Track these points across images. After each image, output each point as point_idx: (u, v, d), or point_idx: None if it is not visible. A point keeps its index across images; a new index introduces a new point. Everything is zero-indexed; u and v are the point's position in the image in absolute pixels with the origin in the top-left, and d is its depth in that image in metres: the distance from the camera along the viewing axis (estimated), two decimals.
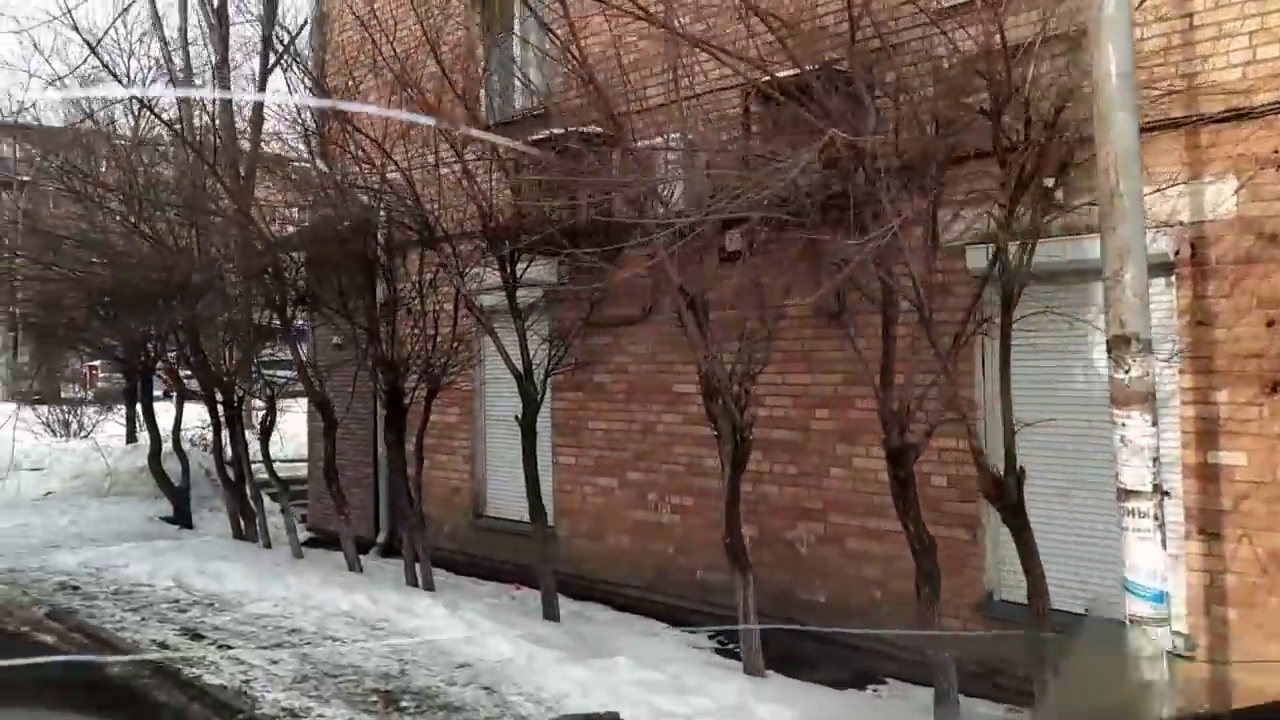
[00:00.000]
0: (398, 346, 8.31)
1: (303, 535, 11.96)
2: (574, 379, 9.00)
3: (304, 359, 9.10)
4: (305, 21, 21.57)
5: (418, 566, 8.37)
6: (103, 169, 11.83)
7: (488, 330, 7.46)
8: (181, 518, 12.19)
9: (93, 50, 15.13)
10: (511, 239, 7.26)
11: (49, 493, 12.80)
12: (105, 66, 15.13)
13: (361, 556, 10.14)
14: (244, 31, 27.56)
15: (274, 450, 14.01)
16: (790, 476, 7.48)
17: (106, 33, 22.11)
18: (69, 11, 23.04)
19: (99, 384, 24.58)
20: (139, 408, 15.73)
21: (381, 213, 8.25)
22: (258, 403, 12.52)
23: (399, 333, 8.48)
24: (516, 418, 7.46)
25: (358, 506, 11.80)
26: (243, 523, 10.93)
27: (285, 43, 23.68)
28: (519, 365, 7.42)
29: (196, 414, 13.01)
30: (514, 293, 7.47)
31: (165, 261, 10.25)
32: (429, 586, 8.17)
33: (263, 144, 12.85)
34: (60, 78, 18.65)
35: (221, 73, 22.81)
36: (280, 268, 8.89)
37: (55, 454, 16.06)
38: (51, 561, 8.86)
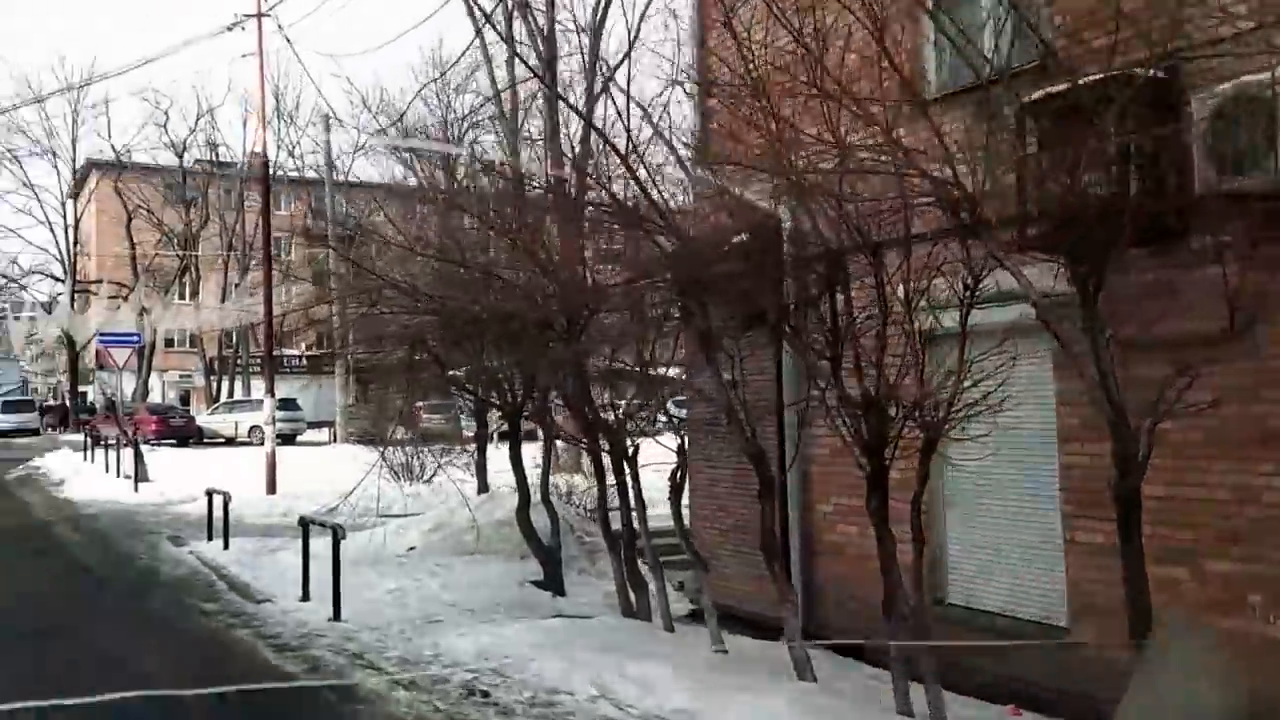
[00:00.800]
0: (882, 380, 6.09)
1: (683, 607, 10.12)
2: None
3: (735, 398, 7.10)
4: (631, 43, 20.34)
5: (915, 691, 6.06)
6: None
7: (1069, 353, 5.07)
8: (553, 583, 10.62)
9: (478, 33, 14.18)
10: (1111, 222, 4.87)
11: (411, 548, 11.68)
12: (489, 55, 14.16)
13: (768, 642, 8.16)
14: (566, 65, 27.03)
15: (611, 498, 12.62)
16: None
17: (490, 14, 21.88)
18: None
19: (422, 424, 24.39)
20: (485, 454, 14.77)
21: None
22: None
23: (861, 361, 6.27)
24: (1118, 492, 4.99)
25: (756, 576, 9.80)
26: (633, 595, 9.12)
27: (611, 69, 22.78)
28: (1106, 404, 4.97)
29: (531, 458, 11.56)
30: (1094, 298, 5.05)
31: (551, 288, 8.73)
32: None
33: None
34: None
35: (551, 104, 22.22)
36: (705, 282, 6.96)
37: (406, 501, 15.33)
38: (444, 648, 7.33)
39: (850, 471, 8.66)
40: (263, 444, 27.14)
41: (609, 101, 8.62)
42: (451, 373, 12.10)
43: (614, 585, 10.23)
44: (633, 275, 8.11)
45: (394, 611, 8.82)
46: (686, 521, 10.68)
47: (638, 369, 8.54)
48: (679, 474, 8.13)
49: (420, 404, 23.01)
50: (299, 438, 36.63)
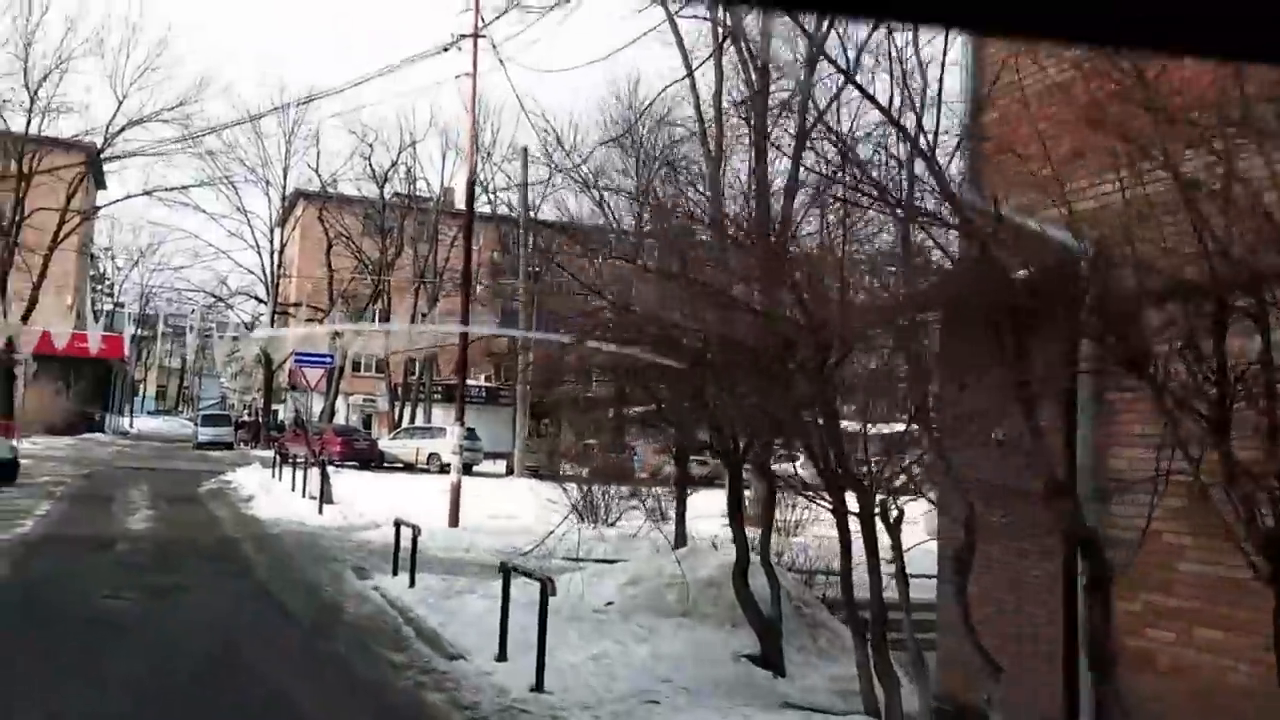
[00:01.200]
0: None
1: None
2: None
3: (1063, 463, 5.57)
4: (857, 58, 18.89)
5: None
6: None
7: None
8: (772, 661, 9.17)
9: (689, 72, 13.19)
10: None
11: (609, 603, 10.48)
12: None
13: None
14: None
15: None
16: None
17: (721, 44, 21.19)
18: None
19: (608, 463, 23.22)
20: (685, 502, 13.55)
21: None
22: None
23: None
24: None
25: (1021, 678, 8.11)
26: (879, 691, 7.58)
27: (823, 106, 21.44)
28: None
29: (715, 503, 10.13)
30: None
31: (801, 315, 7.43)
32: None
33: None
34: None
35: (759, 139, 21.07)
36: (1035, 313, 5.47)
37: (604, 547, 14.24)
38: None
39: (1168, 564, 7.01)
40: (442, 471, 26.84)
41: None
42: (654, 409, 10.97)
43: (841, 668, 8.75)
44: (910, 300, 6.69)
45: (601, 683, 7.59)
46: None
47: (908, 415, 7.09)
48: (964, 551, 6.59)
49: (594, 441, 21.57)
50: (475, 467, 36.49)
